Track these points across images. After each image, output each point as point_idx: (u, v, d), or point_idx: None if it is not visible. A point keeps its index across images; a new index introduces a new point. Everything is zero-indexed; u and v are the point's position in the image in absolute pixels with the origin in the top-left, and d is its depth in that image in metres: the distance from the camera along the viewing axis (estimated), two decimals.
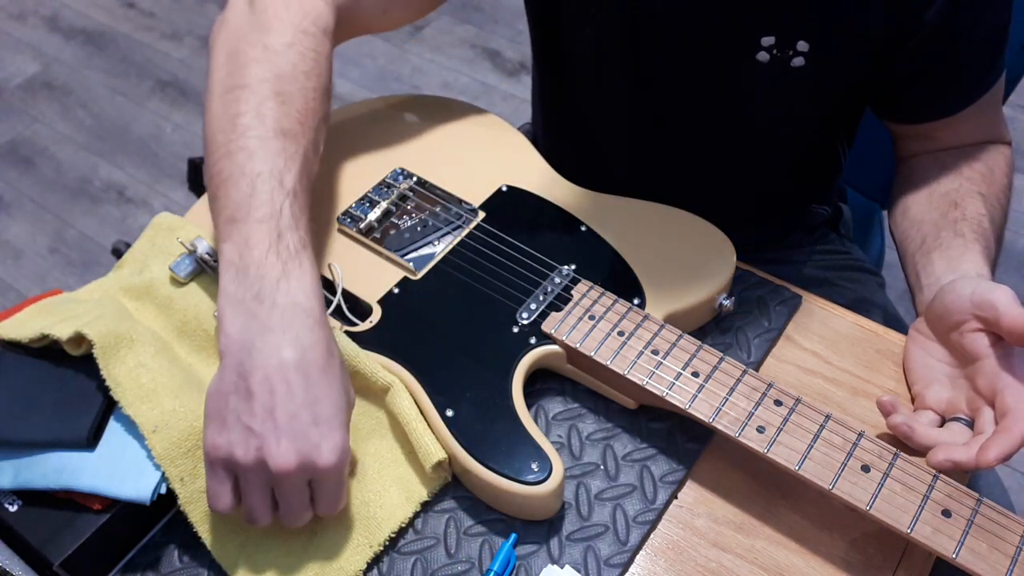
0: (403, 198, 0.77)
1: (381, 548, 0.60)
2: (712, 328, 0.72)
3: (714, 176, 0.87)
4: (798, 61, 0.73)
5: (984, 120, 0.79)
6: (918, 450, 0.61)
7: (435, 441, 0.61)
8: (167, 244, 0.72)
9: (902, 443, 0.62)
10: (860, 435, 0.59)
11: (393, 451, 0.64)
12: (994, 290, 0.61)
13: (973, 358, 0.62)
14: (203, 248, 0.69)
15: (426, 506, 0.63)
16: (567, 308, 0.67)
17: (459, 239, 0.73)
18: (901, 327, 0.76)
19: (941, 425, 0.63)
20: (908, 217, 0.77)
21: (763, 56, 0.73)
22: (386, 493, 0.62)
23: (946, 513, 0.55)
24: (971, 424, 0.62)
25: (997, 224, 0.74)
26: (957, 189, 0.75)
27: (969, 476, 0.66)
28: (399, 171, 0.79)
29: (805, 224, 0.97)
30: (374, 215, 0.75)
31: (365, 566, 0.59)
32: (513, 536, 0.61)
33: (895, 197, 0.82)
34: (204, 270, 0.70)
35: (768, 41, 0.72)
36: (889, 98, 0.79)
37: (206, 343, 0.68)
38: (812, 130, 0.84)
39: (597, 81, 0.84)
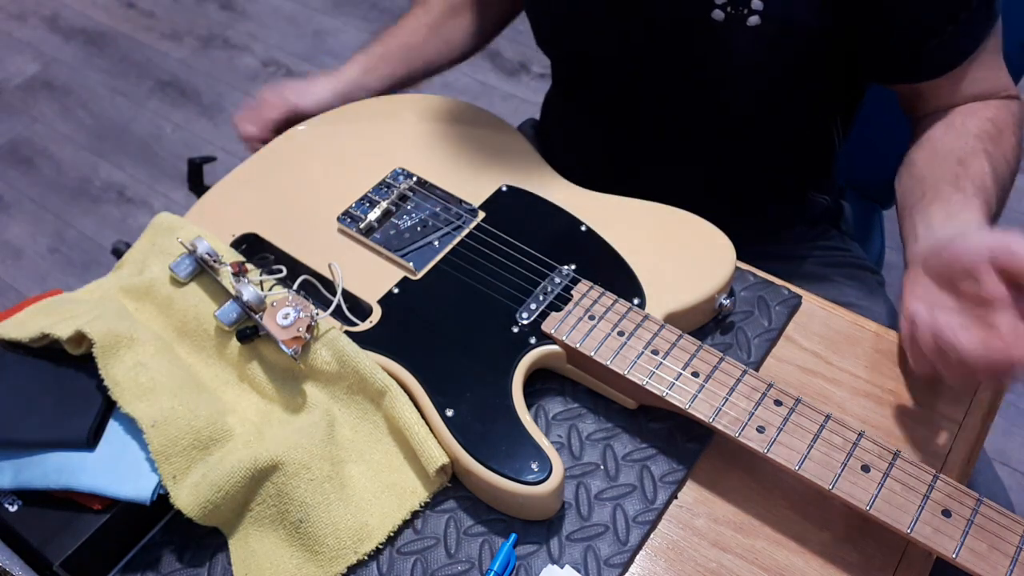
0: (403, 198, 0.77)
1: (365, 556, 0.60)
2: (712, 328, 0.72)
3: (704, 159, 0.86)
4: (754, 20, 0.72)
5: (986, 72, 0.77)
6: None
7: (438, 445, 0.61)
8: (167, 244, 0.72)
9: (902, 443, 0.62)
10: (860, 435, 0.59)
11: (390, 455, 0.64)
12: (1011, 235, 0.59)
13: (989, 304, 0.59)
14: (203, 248, 0.69)
15: (426, 506, 0.62)
16: (567, 308, 0.67)
17: (459, 239, 0.73)
18: None
19: None
20: (912, 174, 0.76)
21: (718, 15, 0.72)
22: (377, 501, 0.62)
23: (946, 513, 0.55)
24: None
25: (1002, 183, 0.73)
26: (963, 147, 0.74)
27: (969, 477, 0.66)
28: (399, 171, 0.79)
29: (805, 215, 0.97)
30: (374, 215, 0.75)
31: (345, 570, 0.59)
32: (513, 536, 0.61)
33: (905, 156, 0.80)
34: (204, 270, 0.70)
35: None
36: (885, 59, 0.78)
37: (206, 343, 0.68)
38: (794, 101, 0.83)
39: (586, 74, 0.85)
